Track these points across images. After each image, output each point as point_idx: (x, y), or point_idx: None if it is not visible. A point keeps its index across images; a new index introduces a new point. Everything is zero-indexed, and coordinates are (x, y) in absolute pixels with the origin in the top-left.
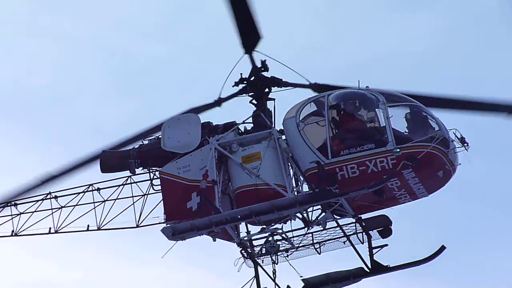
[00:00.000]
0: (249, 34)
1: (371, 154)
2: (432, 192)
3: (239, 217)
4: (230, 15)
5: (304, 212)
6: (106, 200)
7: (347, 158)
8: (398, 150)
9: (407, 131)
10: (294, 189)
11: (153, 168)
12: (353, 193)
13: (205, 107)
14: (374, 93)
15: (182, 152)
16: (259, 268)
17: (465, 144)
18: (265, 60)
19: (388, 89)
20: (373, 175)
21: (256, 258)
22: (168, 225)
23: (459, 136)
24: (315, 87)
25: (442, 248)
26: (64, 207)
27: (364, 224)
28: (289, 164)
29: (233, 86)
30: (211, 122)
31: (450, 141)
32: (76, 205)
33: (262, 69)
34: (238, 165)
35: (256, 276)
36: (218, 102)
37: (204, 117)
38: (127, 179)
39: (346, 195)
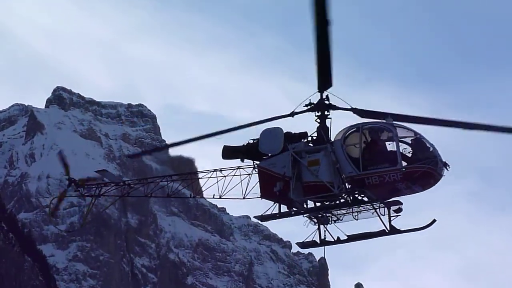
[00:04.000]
0: (324, 82)
1: (387, 171)
2: (426, 190)
3: (299, 212)
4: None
5: (348, 197)
6: (226, 176)
7: (372, 172)
8: (404, 169)
9: (412, 154)
10: (339, 186)
11: (254, 161)
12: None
13: (282, 116)
14: (391, 128)
15: (271, 154)
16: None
17: (447, 166)
18: (327, 95)
19: (402, 124)
20: (387, 183)
21: (319, 222)
22: (258, 215)
23: (443, 161)
24: (354, 110)
25: (434, 221)
26: (200, 178)
27: (386, 204)
28: (337, 169)
29: (304, 106)
30: (291, 132)
31: (439, 161)
32: (208, 177)
33: (326, 101)
34: (305, 167)
35: (319, 230)
36: (292, 114)
37: (281, 123)
38: (238, 167)
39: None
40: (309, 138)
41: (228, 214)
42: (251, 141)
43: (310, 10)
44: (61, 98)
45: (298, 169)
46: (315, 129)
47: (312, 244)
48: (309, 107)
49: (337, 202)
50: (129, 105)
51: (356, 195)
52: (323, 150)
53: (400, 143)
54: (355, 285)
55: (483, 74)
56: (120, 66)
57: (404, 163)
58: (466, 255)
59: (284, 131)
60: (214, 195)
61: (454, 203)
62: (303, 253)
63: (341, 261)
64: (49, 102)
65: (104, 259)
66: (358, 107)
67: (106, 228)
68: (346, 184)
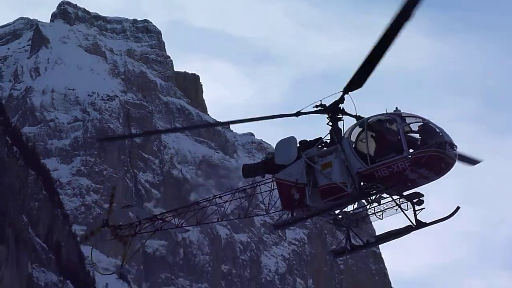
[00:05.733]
0: (355, 84)
1: (394, 160)
2: (442, 175)
3: (312, 214)
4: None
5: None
6: (251, 195)
7: (379, 164)
8: (410, 156)
9: (420, 141)
10: (352, 184)
11: (273, 173)
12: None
13: (287, 115)
14: (395, 117)
15: (286, 164)
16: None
17: (453, 147)
18: (343, 97)
19: (406, 112)
20: (397, 173)
21: (347, 227)
22: (272, 223)
23: (449, 142)
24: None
25: (458, 208)
26: (226, 201)
27: (406, 197)
28: (347, 167)
29: (313, 107)
30: (306, 139)
31: (445, 143)
32: (230, 200)
33: (341, 103)
34: (319, 171)
35: (348, 235)
36: (297, 114)
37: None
38: (259, 182)
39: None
40: (323, 143)
41: (232, 131)
42: (270, 156)
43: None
44: (66, 13)
45: (313, 174)
46: (328, 133)
47: (343, 251)
48: (318, 108)
49: (348, 200)
50: (134, 21)
51: (370, 191)
52: (334, 152)
53: (407, 131)
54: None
55: None
56: None
57: (412, 151)
58: (467, 179)
59: (299, 140)
60: (239, 214)
61: (455, 125)
62: None
63: None
64: (54, 17)
65: (108, 174)
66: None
67: (110, 143)
68: (358, 181)
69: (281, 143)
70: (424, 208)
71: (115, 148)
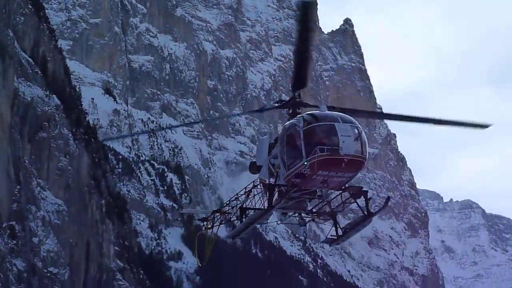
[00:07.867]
0: (299, 81)
1: (298, 167)
2: (356, 172)
3: (250, 223)
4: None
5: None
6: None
7: (291, 171)
8: (306, 163)
9: (320, 144)
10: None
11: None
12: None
13: (253, 112)
14: (300, 120)
15: (262, 165)
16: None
17: (341, 149)
18: (299, 94)
19: (326, 112)
20: (307, 179)
21: (334, 217)
22: (227, 235)
23: (336, 144)
24: (329, 108)
25: (388, 198)
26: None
27: (349, 191)
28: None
29: (274, 103)
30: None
31: (336, 146)
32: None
33: (297, 98)
34: (275, 172)
35: (335, 226)
36: (261, 110)
37: None
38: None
39: (280, 203)
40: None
41: None
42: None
43: (296, 20)
44: None
45: (275, 176)
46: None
47: (333, 240)
48: (278, 104)
49: (281, 201)
50: None
51: (307, 196)
52: None
53: (308, 134)
54: (343, 20)
55: None
56: None
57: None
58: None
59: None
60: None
61: None
62: None
63: None
64: None
65: None
66: (330, 105)
67: None
68: (285, 187)
69: (258, 144)
70: (370, 197)
71: None
